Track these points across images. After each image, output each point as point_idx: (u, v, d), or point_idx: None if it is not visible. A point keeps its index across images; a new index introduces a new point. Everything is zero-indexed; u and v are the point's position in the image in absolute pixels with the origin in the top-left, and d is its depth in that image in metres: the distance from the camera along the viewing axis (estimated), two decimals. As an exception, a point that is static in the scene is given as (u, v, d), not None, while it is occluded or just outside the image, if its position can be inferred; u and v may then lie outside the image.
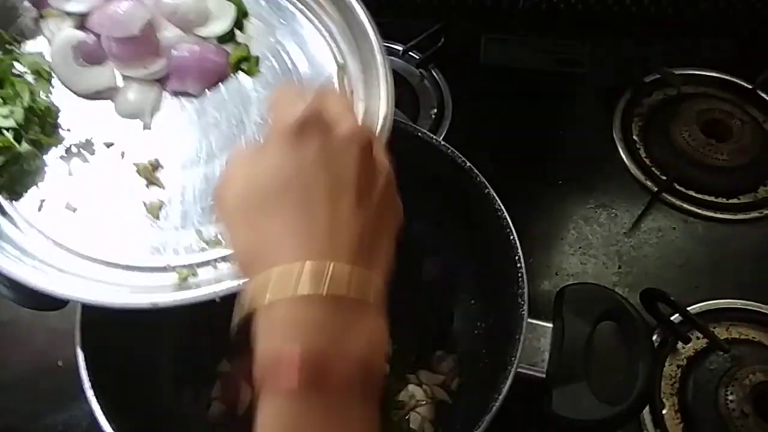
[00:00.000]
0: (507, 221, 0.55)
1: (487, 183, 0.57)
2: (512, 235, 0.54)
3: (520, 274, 0.52)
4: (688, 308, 0.71)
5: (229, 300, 0.43)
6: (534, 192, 0.85)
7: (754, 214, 0.82)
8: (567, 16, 1.01)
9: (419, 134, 0.61)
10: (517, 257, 0.53)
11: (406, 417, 0.62)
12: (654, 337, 0.72)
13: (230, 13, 0.54)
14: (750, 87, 0.91)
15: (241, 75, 0.53)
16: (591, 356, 0.50)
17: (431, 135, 0.60)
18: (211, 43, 0.53)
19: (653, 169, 0.86)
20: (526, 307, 0.51)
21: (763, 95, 0.91)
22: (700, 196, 0.83)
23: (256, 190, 0.36)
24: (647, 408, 0.68)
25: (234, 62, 0.53)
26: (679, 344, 0.72)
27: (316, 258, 0.33)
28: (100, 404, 0.49)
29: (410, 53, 0.96)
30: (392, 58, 0.97)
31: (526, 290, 0.52)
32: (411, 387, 0.63)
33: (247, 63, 0.53)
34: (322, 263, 0.33)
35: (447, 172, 0.61)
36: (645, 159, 0.87)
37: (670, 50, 0.96)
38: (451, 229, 0.69)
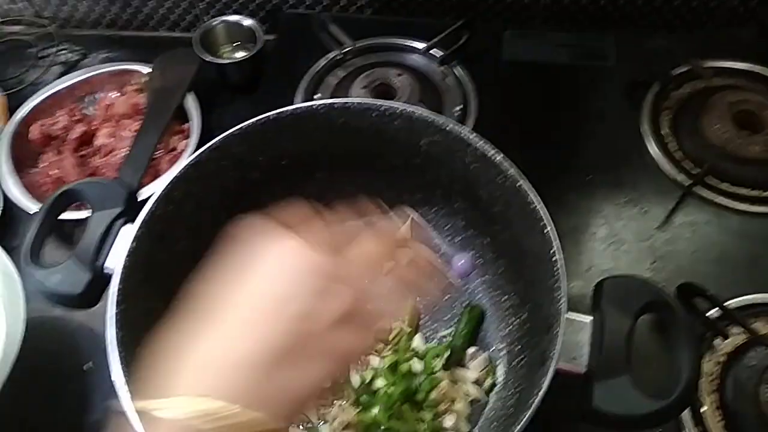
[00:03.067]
0: (541, 214, 0.53)
1: (519, 174, 0.56)
2: (547, 227, 0.53)
3: (556, 268, 0.51)
4: (726, 303, 0.69)
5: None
6: (562, 188, 0.83)
7: (790, 206, 0.80)
8: (589, 10, 1.00)
9: (447, 127, 0.60)
10: (552, 250, 0.52)
11: (440, 416, 0.61)
12: (692, 333, 0.70)
13: None
14: (782, 78, 0.89)
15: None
16: (632, 350, 0.48)
17: (461, 126, 0.59)
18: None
19: (685, 162, 0.84)
20: (564, 300, 0.50)
21: (796, 86, 0.89)
22: (734, 189, 0.81)
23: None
24: (688, 408, 0.66)
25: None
26: (717, 340, 0.70)
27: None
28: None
29: (432, 51, 0.95)
30: (414, 56, 0.96)
31: (564, 283, 0.50)
32: (444, 385, 0.62)
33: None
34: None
35: (476, 165, 0.60)
36: (675, 152, 0.85)
37: (696, 42, 0.94)
38: (480, 224, 0.68)
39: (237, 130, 0.60)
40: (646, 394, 0.46)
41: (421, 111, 0.60)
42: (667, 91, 0.90)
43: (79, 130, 0.94)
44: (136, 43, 1.12)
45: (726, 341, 0.70)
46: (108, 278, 0.53)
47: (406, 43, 0.96)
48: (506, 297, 0.65)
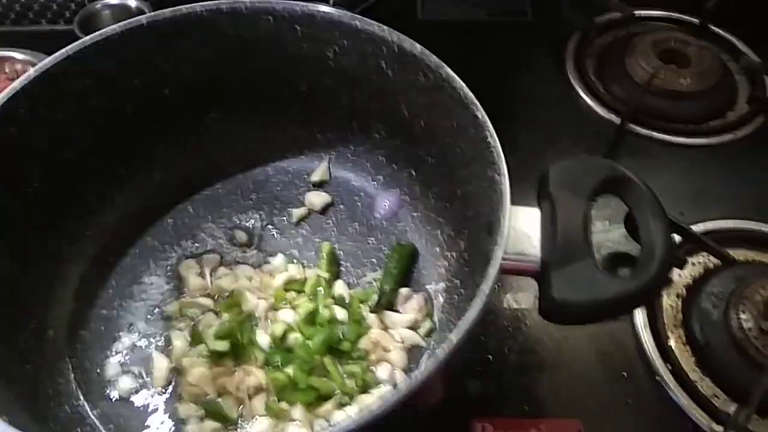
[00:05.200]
0: (469, 97, 0.45)
1: (440, 62, 0.48)
2: (477, 110, 0.45)
3: (493, 152, 0.43)
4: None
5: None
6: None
7: (728, 137, 0.76)
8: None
9: (355, 25, 0.51)
10: (486, 133, 0.43)
11: (371, 367, 0.50)
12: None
13: None
14: (699, 22, 0.88)
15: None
16: (592, 233, 0.40)
17: (370, 22, 0.51)
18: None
19: (615, 103, 0.79)
20: (505, 183, 0.41)
21: (714, 28, 0.87)
22: (669, 124, 0.77)
23: None
24: (653, 345, 0.58)
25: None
26: (674, 273, 0.63)
27: None
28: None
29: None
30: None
31: (503, 167, 0.42)
32: (374, 333, 0.51)
33: None
34: None
35: (393, 69, 0.52)
36: (605, 95, 0.80)
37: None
38: (404, 154, 0.59)
39: (99, 36, 0.49)
40: (615, 276, 0.37)
41: (324, 9, 0.52)
42: (589, 40, 0.87)
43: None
44: (15, 39, 0.99)
45: (683, 272, 0.64)
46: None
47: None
48: (440, 230, 0.56)
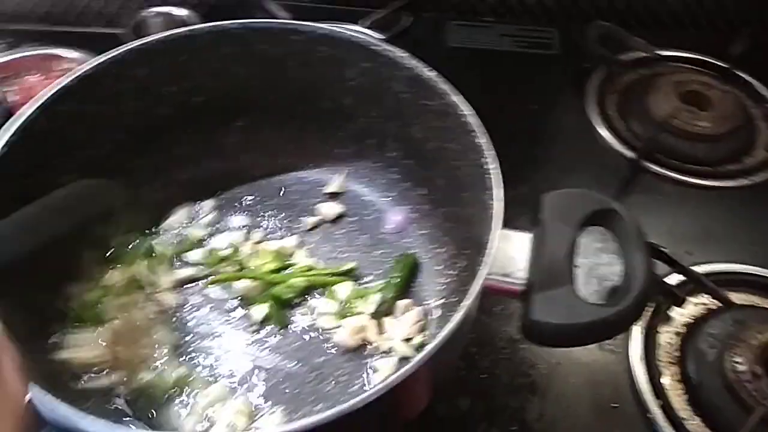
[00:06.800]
0: (472, 123, 0.48)
1: (451, 88, 0.51)
2: (478, 137, 0.47)
3: (489, 177, 0.45)
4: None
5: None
6: (511, 178, 0.78)
7: (744, 182, 0.76)
8: (533, 8, 0.99)
9: (375, 48, 0.54)
10: (484, 158, 0.46)
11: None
12: (646, 299, 0.63)
13: None
14: (726, 66, 0.88)
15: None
16: (576, 261, 0.42)
17: (389, 45, 0.54)
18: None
19: (633, 139, 0.80)
20: (499, 207, 0.43)
21: (739, 73, 0.88)
22: (685, 165, 0.78)
23: None
24: (646, 380, 0.59)
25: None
26: (674, 311, 0.64)
27: None
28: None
29: (374, 34, 0.91)
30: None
31: (498, 192, 0.44)
32: (370, 334, 0.53)
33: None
34: None
35: (408, 93, 0.55)
36: (624, 132, 0.82)
37: (641, 35, 0.93)
38: (415, 173, 0.62)
39: (140, 44, 0.53)
40: (593, 303, 0.39)
41: (347, 33, 0.55)
42: (612, 76, 0.89)
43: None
44: (69, 38, 1.06)
45: (683, 311, 0.64)
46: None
47: (345, 28, 0.92)
48: (445, 248, 0.58)
